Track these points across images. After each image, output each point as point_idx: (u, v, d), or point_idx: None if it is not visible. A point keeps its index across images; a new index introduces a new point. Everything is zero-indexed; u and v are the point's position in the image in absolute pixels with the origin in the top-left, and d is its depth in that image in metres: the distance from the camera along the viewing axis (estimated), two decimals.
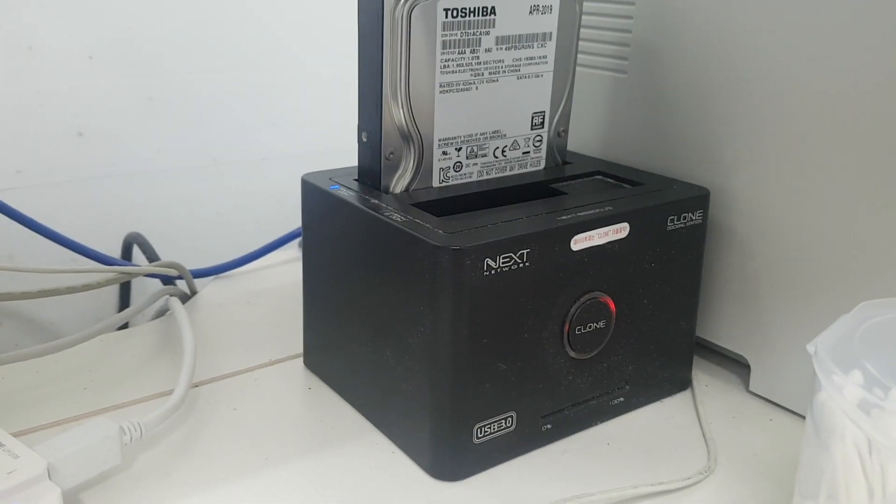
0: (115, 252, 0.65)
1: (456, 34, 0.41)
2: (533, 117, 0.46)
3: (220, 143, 0.68)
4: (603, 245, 0.40)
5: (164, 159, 0.66)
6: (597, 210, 0.40)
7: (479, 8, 0.42)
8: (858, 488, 0.29)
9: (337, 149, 0.74)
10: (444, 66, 0.42)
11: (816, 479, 0.31)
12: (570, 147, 0.50)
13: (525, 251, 0.37)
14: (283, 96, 0.70)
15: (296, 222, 0.60)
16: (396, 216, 0.39)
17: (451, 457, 0.39)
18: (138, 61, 0.63)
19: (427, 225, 0.38)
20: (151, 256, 0.63)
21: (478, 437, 0.39)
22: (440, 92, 0.42)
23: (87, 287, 0.49)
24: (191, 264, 0.60)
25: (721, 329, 0.47)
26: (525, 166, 0.47)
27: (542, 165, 0.48)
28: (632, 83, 0.49)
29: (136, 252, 0.65)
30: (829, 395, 0.29)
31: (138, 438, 0.39)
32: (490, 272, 0.37)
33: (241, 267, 0.63)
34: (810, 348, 0.30)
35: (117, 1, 0.61)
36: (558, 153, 0.48)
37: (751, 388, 0.46)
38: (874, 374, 0.28)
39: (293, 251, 0.65)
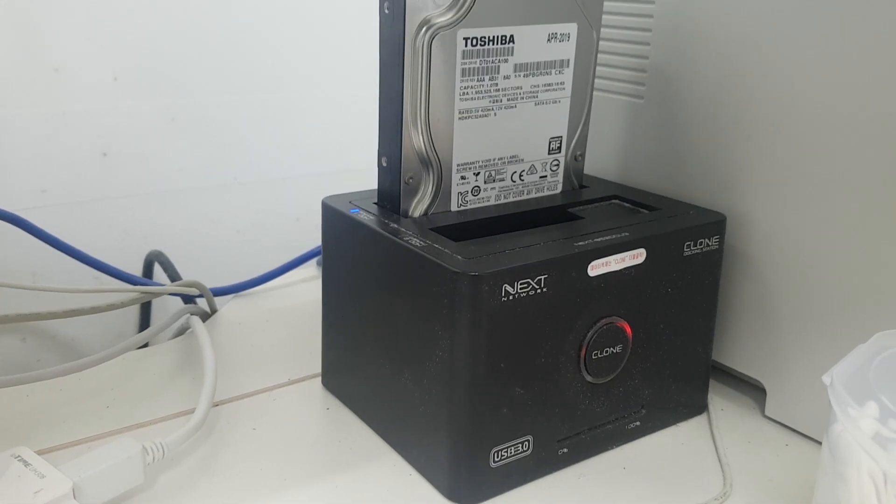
0: (137, 269, 0.65)
1: (475, 62, 0.42)
2: (550, 142, 0.47)
3: (240, 163, 0.69)
4: (620, 271, 0.40)
5: (185, 179, 0.66)
6: (613, 236, 0.40)
7: (497, 37, 0.42)
8: None
9: (356, 168, 0.75)
10: (464, 94, 0.42)
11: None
12: (588, 171, 0.50)
13: (543, 277, 0.38)
14: (303, 117, 0.71)
15: (314, 241, 0.60)
16: (415, 241, 0.40)
17: (468, 480, 0.39)
18: (162, 83, 0.64)
19: (446, 250, 0.38)
20: (172, 274, 0.64)
21: (494, 461, 0.39)
22: (459, 118, 0.43)
23: (110, 307, 0.50)
24: (211, 282, 0.61)
25: (737, 354, 0.47)
26: (542, 190, 0.48)
27: (559, 189, 0.48)
28: (649, 108, 0.49)
29: (158, 269, 0.65)
30: (844, 426, 0.29)
31: (160, 458, 0.39)
32: (508, 298, 0.37)
33: (261, 285, 0.63)
34: (826, 379, 0.30)
35: (142, 25, 0.62)
36: (575, 177, 0.49)
37: (767, 413, 0.46)
38: (890, 407, 0.28)
39: (312, 270, 0.66)
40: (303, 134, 0.72)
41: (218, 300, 0.60)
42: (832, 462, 0.30)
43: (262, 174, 0.71)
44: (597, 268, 0.39)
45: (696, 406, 0.46)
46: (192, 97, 0.65)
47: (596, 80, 0.50)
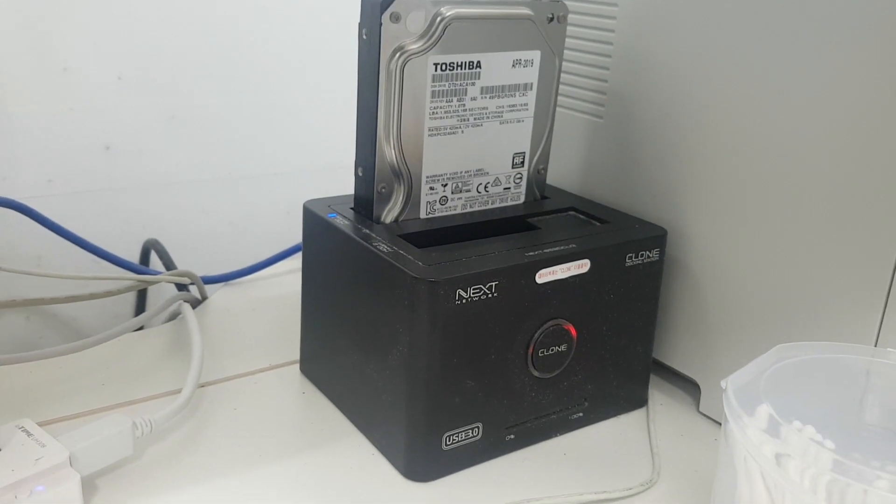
0: (135, 255, 0.70)
1: (444, 85, 0.46)
2: (514, 157, 0.51)
3: (234, 158, 0.73)
4: (566, 279, 0.45)
5: (183, 172, 0.71)
6: (561, 247, 0.45)
7: (465, 62, 0.47)
8: (762, 501, 0.34)
9: (342, 165, 0.79)
10: (433, 113, 0.47)
11: (730, 493, 0.35)
12: (552, 180, 0.55)
13: (494, 283, 0.42)
14: (293, 117, 0.76)
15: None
16: (383, 246, 0.44)
17: (422, 460, 0.44)
18: (162, 83, 0.68)
19: (409, 256, 0.43)
20: (167, 262, 0.68)
21: (447, 445, 0.44)
22: (429, 135, 0.47)
23: (109, 293, 0.55)
24: (204, 270, 0.65)
25: (676, 353, 0.52)
26: (506, 200, 0.52)
27: (522, 200, 0.53)
28: (607, 127, 0.54)
29: (154, 256, 0.70)
30: (733, 431, 0.33)
31: (149, 433, 0.44)
32: (461, 301, 0.42)
33: (250, 275, 0.68)
34: (723, 384, 0.35)
35: (145, 30, 0.66)
36: (537, 188, 0.53)
37: (701, 409, 0.51)
38: (775, 416, 0.33)
39: (298, 261, 0.70)
40: (293, 132, 0.76)
41: (209, 287, 0.65)
42: (727, 454, 0.35)
43: (255, 169, 0.75)
44: (544, 276, 0.44)
45: (636, 400, 0.51)
46: (190, 97, 0.70)
47: (561, 100, 0.54)
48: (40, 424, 0.42)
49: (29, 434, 0.41)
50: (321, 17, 0.74)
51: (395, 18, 0.43)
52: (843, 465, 0.31)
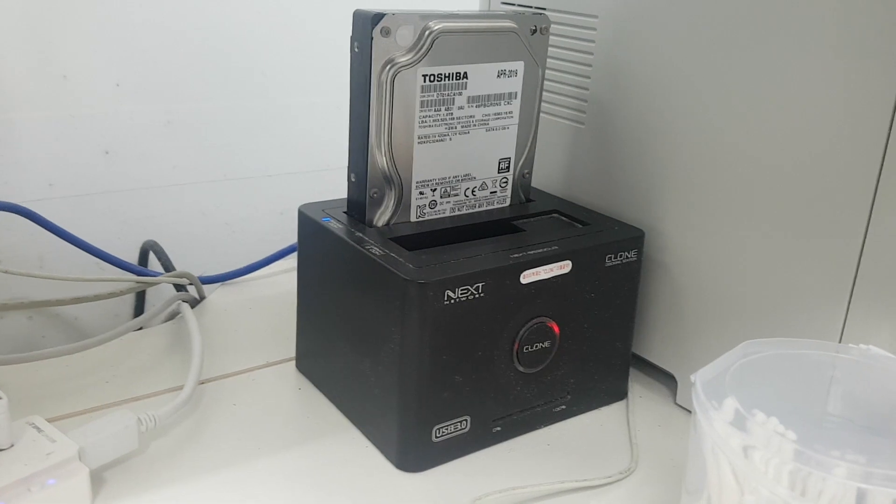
0: (134, 256, 0.72)
1: (433, 95, 0.49)
2: (500, 162, 0.53)
3: (229, 161, 0.76)
4: (549, 279, 0.47)
5: (179, 176, 0.73)
6: (544, 249, 0.47)
7: (453, 73, 0.49)
8: (730, 491, 0.36)
9: (334, 166, 0.82)
10: (422, 122, 0.49)
11: (700, 480, 0.38)
12: (536, 183, 0.57)
13: (480, 284, 0.45)
14: (286, 121, 0.78)
15: (296, 234, 0.67)
16: (375, 249, 0.46)
17: (413, 452, 0.46)
18: (159, 88, 0.70)
19: (400, 259, 0.45)
20: (165, 262, 0.70)
21: (436, 437, 0.46)
22: (418, 142, 0.50)
23: (111, 294, 0.57)
24: (201, 270, 0.67)
25: (654, 348, 0.54)
26: (492, 203, 0.54)
27: (508, 203, 0.55)
28: (588, 133, 0.56)
29: (152, 257, 0.72)
30: (701, 422, 0.36)
31: (153, 428, 0.46)
32: (450, 301, 0.44)
33: (246, 275, 0.70)
34: (692, 378, 0.37)
35: (142, 37, 0.68)
36: (522, 191, 0.56)
37: (678, 401, 0.53)
38: (740, 409, 0.35)
39: (292, 261, 0.72)
40: (286, 136, 0.78)
41: (206, 287, 0.67)
42: (697, 443, 0.38)
43: (250, 172, 0.77)
44: (528, 276, 0.46)
45: (617, 393, 0.54)
46: (186, 102, 0.72)
47: (545, 107, 0.57)
48: (48, 421, 0.44)
49: (39, 430, 0.43)
50: (313, 26, 0.76)
51: (386, 33, 0.46)
52: (805, 455, 0.34)
